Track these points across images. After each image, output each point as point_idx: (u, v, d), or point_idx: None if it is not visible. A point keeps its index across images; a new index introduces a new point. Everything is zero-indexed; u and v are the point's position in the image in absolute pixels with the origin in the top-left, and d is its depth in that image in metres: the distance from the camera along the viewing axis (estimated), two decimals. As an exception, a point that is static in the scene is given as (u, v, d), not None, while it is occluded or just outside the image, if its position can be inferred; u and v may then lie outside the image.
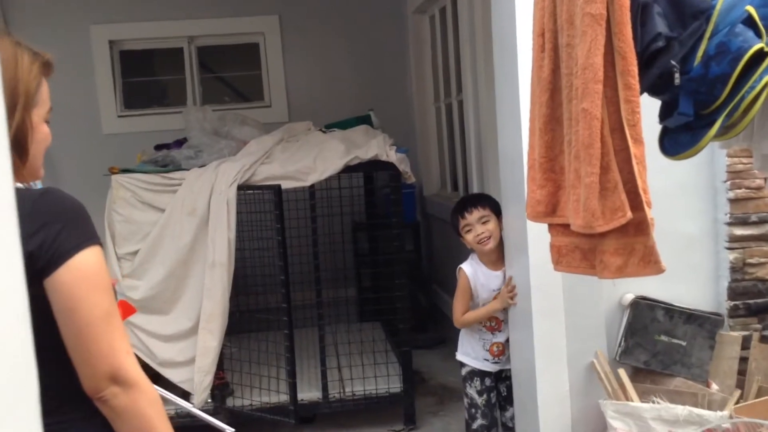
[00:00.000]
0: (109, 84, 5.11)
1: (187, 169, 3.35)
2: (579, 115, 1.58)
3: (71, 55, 4.81)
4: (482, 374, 2.72)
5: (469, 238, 2.63)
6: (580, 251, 1.70)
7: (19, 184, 1.12)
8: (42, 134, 1.14)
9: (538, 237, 2.26)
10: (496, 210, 2.63)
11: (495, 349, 2.70)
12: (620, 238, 1.56)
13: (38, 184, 1.32)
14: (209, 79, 5.39)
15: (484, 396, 2.72)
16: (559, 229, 1.75)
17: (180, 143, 3.64)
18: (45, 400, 0.92)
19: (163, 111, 5.14)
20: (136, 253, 3.27)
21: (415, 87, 5.23)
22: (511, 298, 2.55)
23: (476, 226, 2.60)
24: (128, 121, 5.12)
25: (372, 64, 5.26)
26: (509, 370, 2.70)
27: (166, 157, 3.42)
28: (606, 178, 1.56)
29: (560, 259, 1.75)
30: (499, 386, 2.76)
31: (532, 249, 2.33)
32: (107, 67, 5.10)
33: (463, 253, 4.21)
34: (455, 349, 4.61)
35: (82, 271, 1.02)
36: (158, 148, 3.76)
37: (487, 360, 2.71)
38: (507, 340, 2.68)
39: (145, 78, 5.36)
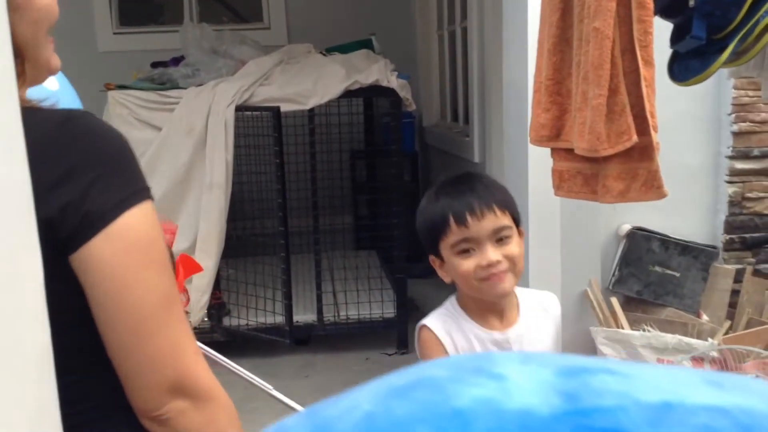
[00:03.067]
0: (103, 0, 4.97)
1: (185, 88, 3.30)
2: (590, 35, 1.54)
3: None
4: None
5: (467, 267, 1.23)
6: (582, 176, 1.69)
7: (29, 97, 0.73)
8: (36, 9, 0.71)
9: (538, 163, 2.25)
10: (516, 215, 1.28)
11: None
12: (624, 162, 1.55)
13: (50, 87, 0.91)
14: (207, -2, 5.24)
15: None
16: (562, 153, 1.74)
17: (177, 61, 3.57)
18: (75, 421, 0.66)
19: (160, 29, 5.01)
20: (132, 171, 3.24)
21: (419, 13, 5.10)
22: None
23: (487, 246, 1.22)
24: (124, 39, 5.00)
25: (374, -12, 5.11)
26: None
27: (163, 75, 3.36)
28: (614, 100, 1.53)
29: (561, 184, 1.74)
30: None
31: (532, 174, 2.32)
32: (102, -17, 4.95)
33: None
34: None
35: (129, 240, 0.69)
36: (155, 65, 3.68)
37: None
38: None
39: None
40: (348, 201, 4.80)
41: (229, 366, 1.54)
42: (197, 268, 1.37)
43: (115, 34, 5.02)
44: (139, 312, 0.70)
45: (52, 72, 0.77)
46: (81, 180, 0.67)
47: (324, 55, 3.67)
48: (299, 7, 5.07)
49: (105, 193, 0.68)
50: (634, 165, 1.55)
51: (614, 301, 2.39)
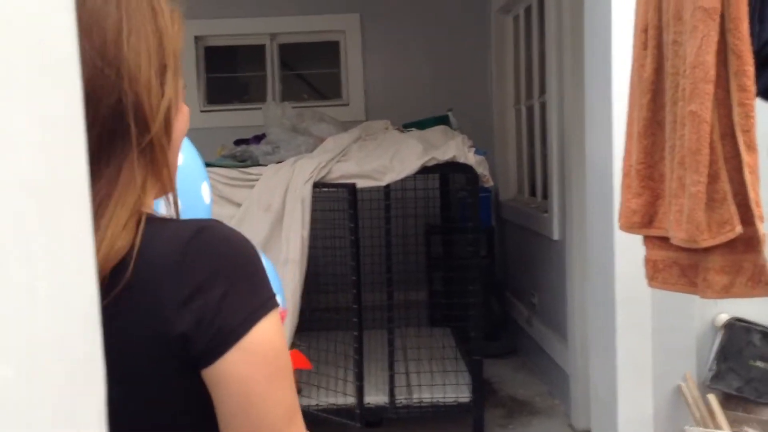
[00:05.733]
0: (193, 79, 5.21)
1: (265, 165, 3.36)
2: (686, 118, 1.45)
3: (158, 49, 4.92)
4: None
5: None
6: (679, 267, 1.57)
7: (158, 210, 0.75)
8: (184, 120, 0.77)
9: (626, 247, 2.13)
10: None
11: None
12: (727, 254, 1.43)
13: (160, 205, 0.84)
14: (289, 77, 5.42)
15: None
16: (656, 241, 1.62)
17: (259, 139, 3.66)
18: None
19: (244, 107, 5.20)
20: (211, 246, 3.29)
21: (495, 88, 5.11)
22: None
23: None
24: (210, 116, 5.20)
25: (452, 64, 5.17)
26: None
27: (245, 152, 3.43)
28: (714, 188, 1.43)
29: (656, 274, 1.62)
30: None
31: (619, 259, 2.19)
32: (192, 63, 5.20)
33: (539, 259, 4.07)
34: (526, 359, 4.47)
35: (259, 354, 0.68)
36: (237, 143, 3.78)
37: None
38: None
39: (228, 74, 5.44)
40: (423, 276, 4.73)
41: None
42: (306, 365, 1.28)
43: (201, 111, 5.23)
44: (264, 427, 0.68)
45: (173, 189, 0.77)
46: (213, 293, 0.66)
47: (401, 131, 3.68)
48: (377, 84, 5.17)
49: (236, 306, 0.67)
50: (739, 257, 1.42)
51: (712, 398, 2.19)
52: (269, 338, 0.68)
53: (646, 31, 1.63)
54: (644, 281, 1.74)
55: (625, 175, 1.69)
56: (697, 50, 1.45)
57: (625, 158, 1.70)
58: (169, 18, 0.74)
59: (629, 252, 2.12)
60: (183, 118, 0.76)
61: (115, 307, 0.63)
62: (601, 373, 2.41)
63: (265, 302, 0.69)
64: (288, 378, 0.70)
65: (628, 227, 1.67)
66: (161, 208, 0.78)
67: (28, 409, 0.32)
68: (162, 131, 0.70)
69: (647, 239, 1.66)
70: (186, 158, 1.44)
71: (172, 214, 0.75)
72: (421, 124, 3.82)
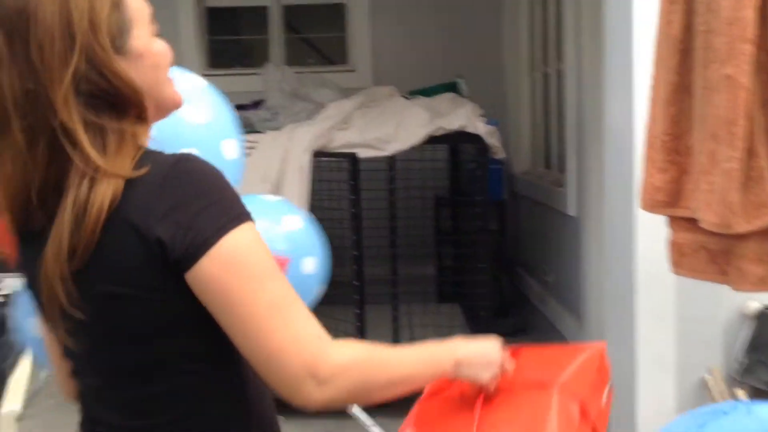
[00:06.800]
0: (193, 42, 5.00)
1: (262, 132, 3.18)
2: (720, 83, 1.25)
3: (155, 10, 4.72)
4: None
5: None
6: (708, 252, 1.38)
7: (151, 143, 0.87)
8: (154, 54, 0.87)
9: (648, 226, 1.94)
10: None
11: None
12: (764, 241, 1.24)
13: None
14: (294, 40, 5.21)
15: None
16: (682, 223, 1.43)
17: (257, 104, 3.48)
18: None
19: (246, 71, 4.99)
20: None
21: (509, 55, 4.86)
22: None
23: None
24: (211, 81, 4.99)
25: (463, 29, 4.91)
26: None
27: (241, 119, 3.25)
28: (750, 164, 1.23)
29: (681, 260, 1.43)
30: None
31: (641, 240, 2.00)
32: (192, 24, 4.99)
33: (554, 235, 3.87)
34: (537, 338, 4.30)
35: (229, 260, 0.80)
36: (236, 109, 3.60)
37: None
38: None
39: (230, 37, 5.23)
40: (430, 250, 4.55)
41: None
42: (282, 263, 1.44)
43: (203, 75, 5.04)
44: (250, 321, 0.81)
45: (177, 107, 0.91)
46: (188, 211, 0.80)
47: (406, 98, 3.48)
48: (385, 49, 4.94)
49: (208, 221, 0.80)
50: (779, 246, 1.23)
51: (741, 393, 2.02)
52: (240, 245, 0.81)
53: (675, -19, 1.42)
54: (668, 264, 1.55)
55: (649, 146, 1.48)
56: (734, 4, 1.24)
57: (649, 127, 1.49)
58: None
59: (652, 232, 1.93)
60: (150, 60, 0.86)
61: (107, 222, 0.78)
62: (618, 362, 2.23)
63: (235, 217, 0.81)
64: (267, 278, 0.82)
65: (651, 206, 1.47)
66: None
67: None
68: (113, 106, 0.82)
69: (672, 220, 1.46)
70: (210, 116, 1.47)
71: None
72: (428, 92, 3.62)
